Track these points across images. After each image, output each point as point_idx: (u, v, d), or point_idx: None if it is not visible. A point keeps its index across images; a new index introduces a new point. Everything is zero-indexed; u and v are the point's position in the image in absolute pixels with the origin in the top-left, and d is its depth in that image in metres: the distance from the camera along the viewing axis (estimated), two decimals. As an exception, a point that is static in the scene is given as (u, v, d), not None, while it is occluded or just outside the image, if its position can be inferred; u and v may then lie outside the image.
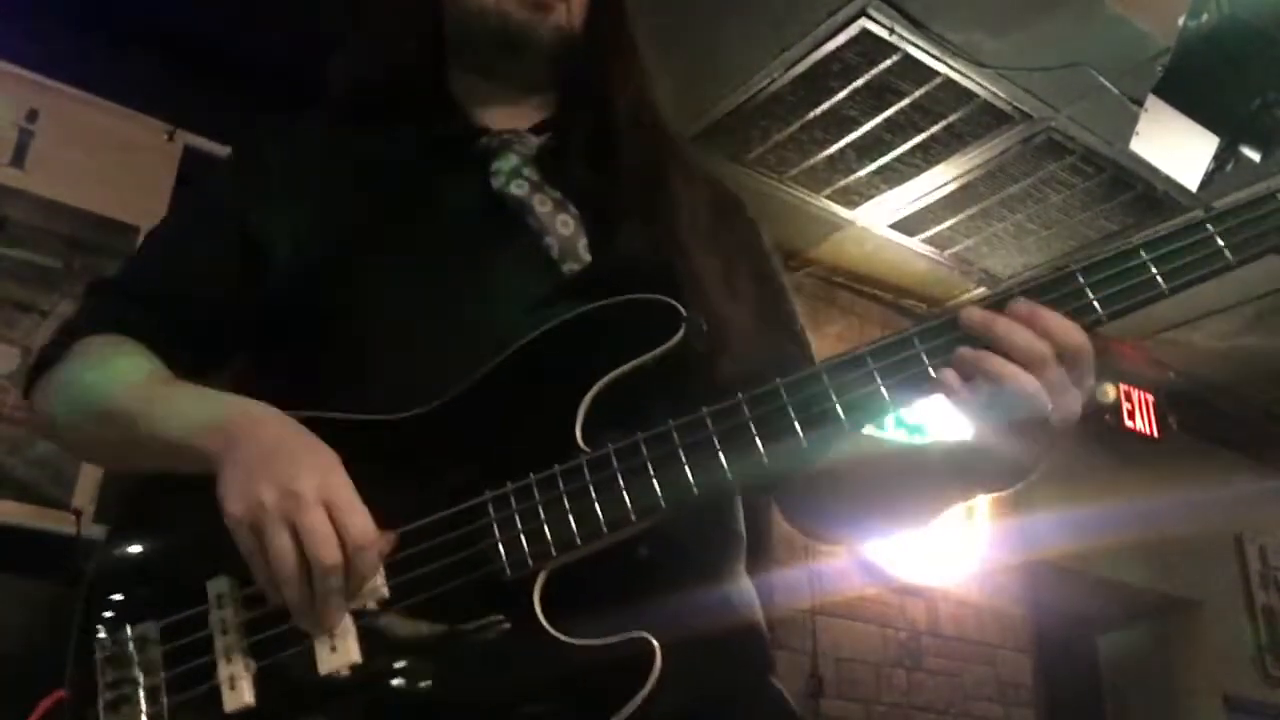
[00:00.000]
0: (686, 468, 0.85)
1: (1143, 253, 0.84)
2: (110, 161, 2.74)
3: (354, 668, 0.82)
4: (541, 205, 1.03)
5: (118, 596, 0.89)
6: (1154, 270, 0.84)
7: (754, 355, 0.98)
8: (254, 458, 0.83)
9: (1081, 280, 0.84)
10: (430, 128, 1.09)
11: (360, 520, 0.81)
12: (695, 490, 0.85)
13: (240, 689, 0.83)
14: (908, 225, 3.92)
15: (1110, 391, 4.66)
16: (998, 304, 0.84)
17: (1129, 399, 4.79)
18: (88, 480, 2.50)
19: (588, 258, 1.00)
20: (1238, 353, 4.64)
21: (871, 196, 3.74)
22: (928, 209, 3.80)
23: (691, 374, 0.90)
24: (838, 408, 0.85)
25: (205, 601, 0.86)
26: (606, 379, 0.88)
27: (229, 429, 0.87)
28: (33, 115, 2.69)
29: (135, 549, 0.93)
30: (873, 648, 3.93)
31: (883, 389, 0.85)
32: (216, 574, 0.86)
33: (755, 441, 0.85)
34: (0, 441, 2.44)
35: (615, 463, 0.86)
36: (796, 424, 0.85)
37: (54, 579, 2.38)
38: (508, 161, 1.05)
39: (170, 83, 2.88)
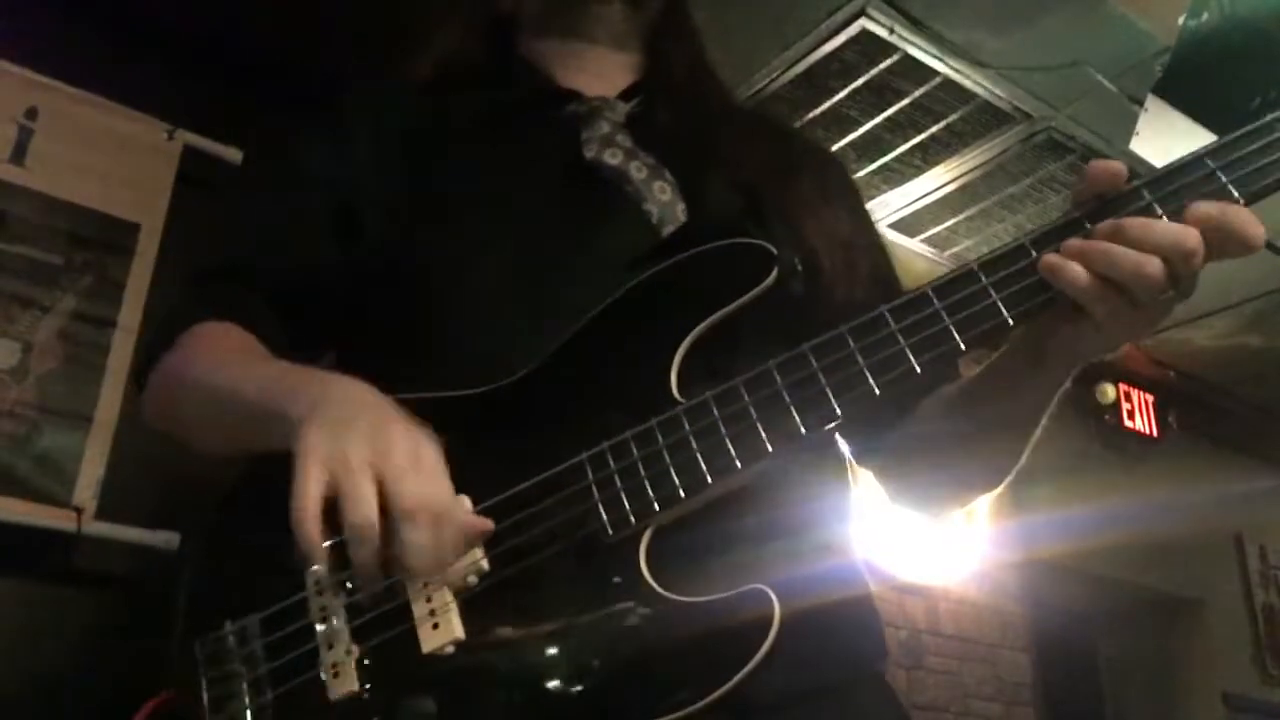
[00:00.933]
0: (791, 407, 0.80)
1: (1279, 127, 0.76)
2: (110, 159, 2.74)
3: (458, 644, 0.78)
4: (638, 173, 1.01)
5: (216, 594, 0.88)
6: None
7: (850, 291, 0.95)
8: (341, 419, 0.77)
9: (1212, 164, 0.77)
10: (515, 93, 1.07)
11: (449, 490, 0.76)
12: (803, 430, 0.80)
13: (344, 675, 0.80)
14: (908, 225, 3.91)
15: (1110, 391, 4.66)
16: (1118, 201, 0.79)
17: (1129, 399, 4.79)
18: (89, 478, 2.50)
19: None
20: (1238, 353, 4.64)
21: (871, 196, 3.73)
22: (927, 209, 3.79)
23: (787, 317, 0.87)
24: (951, 329, 0.79)
25: (304, 589, 0.83)
26: (702, 326, 0.84)
27: (314, 395, 0.81)
28: (32, 113, 2.68)
29: (229, 544, 0.91)
30: (872, 647, 3.93)
31: (999, 303, 0.78)
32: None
33: (864, 372, 0.80)
34: (0, 438, 2.45)
35: (715, 410, 0.81)
36: (907, 350, 0.79)
37: (54, 577, 2.39)
38: (599, 129, 1.03)
39: (170, 82, 2.88)
